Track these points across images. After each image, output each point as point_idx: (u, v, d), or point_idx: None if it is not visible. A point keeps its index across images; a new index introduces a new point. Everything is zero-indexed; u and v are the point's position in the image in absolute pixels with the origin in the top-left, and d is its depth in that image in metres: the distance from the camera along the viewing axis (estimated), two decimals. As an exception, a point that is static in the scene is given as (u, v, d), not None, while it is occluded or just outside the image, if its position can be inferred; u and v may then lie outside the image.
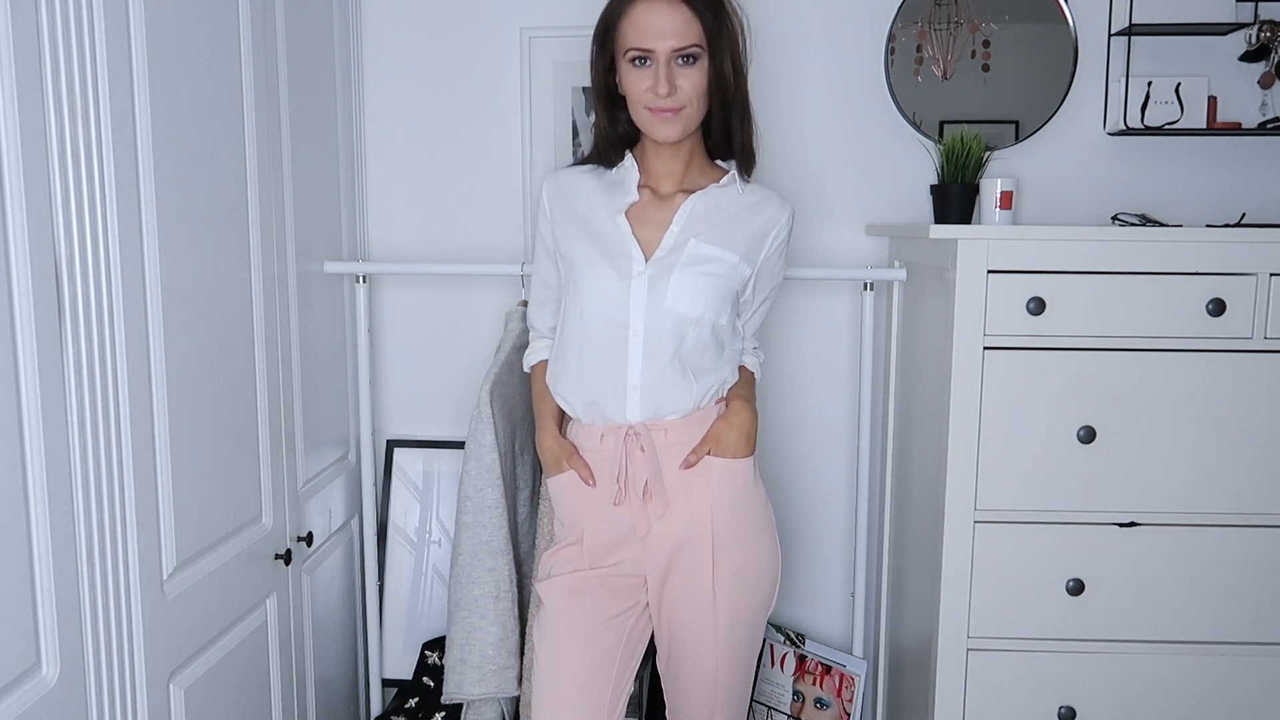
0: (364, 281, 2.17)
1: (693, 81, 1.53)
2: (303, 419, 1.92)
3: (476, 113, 2.26)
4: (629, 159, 1.65)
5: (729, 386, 1.67)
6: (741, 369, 1.72)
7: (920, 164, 2.20)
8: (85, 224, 1.20)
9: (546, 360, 1.73)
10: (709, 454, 1.60)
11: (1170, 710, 1.84)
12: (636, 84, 1.54)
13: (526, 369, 1.80)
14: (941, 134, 2.16)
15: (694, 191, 1.62)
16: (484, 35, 2.23)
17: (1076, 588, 1.80)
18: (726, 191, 1.63)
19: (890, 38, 2.17)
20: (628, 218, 1.61)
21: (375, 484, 2.26)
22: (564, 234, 1.65)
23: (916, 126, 2.19)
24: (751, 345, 1.77)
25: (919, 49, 2.17)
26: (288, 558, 1.79)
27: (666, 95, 1.51)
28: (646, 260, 1.58)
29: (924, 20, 2.16)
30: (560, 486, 1.66)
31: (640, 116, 1.56)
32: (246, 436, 1.67)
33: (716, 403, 1.65)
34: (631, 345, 1.57)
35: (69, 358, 1.18)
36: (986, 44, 2.16)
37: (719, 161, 1.68)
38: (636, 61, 1.53)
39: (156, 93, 1.35)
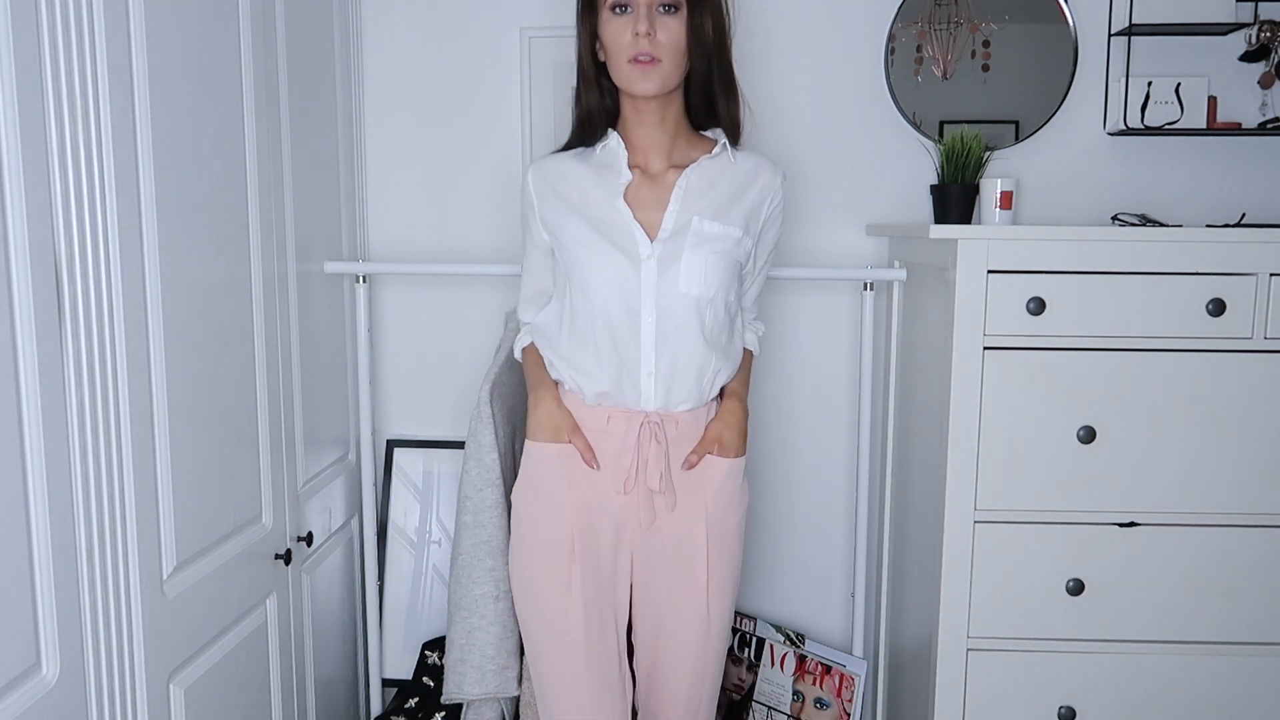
0: (364, 281, 2.17)
1: (672, 34, 1.51)
2: (303, 419, 1.92)
3: (477, 113, 2.26)
4: (614, 137, 1.61)
5: (730, 378, 1.66)
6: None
7: (920, 164, 2.20)
8: (85, 224, 1.20)
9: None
10: (711, 453, 1.61)
11: (1170, 710, 1.84)
12: (617, 35, 1.51)
13: (517, 355, 1.76)
14: (941, 134, 2.16)
15: (685, 166, 1.60)
16: (484, 35, 2.23)
17: (1076, 588, 1.80)
18: (718, 161, 1.61)
19: (890, 38, 2.17)
20: (625, 201, 1.58)
21: (375, 484, 2.26)
22: (559, 223, 1.61)
23: (916, 126, 2.19)
24: (750, 316, 1.75)
25: (919, 49, 2.17)
26: (288, 558, 1.79)
27: (645, 34, 1.48)
28: (651, 242, 1.55)
29: (924, 20, 2.16)
30: (548, 456, 1.61)
31: (620, 72, 1.53)
32: (246, 436, 1.67)
33: (714, 399, 1.65)
34: (644, 331, 1.54)
35: (69, 358, 1.18)
36: (986, 44, 2.16)
37: (706, 132, 1.65)
38: (617, 10, 1.51)
39: (156, 93, 1.35)
